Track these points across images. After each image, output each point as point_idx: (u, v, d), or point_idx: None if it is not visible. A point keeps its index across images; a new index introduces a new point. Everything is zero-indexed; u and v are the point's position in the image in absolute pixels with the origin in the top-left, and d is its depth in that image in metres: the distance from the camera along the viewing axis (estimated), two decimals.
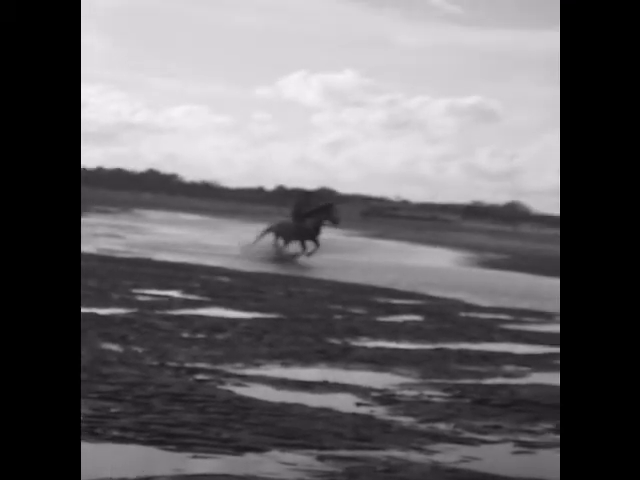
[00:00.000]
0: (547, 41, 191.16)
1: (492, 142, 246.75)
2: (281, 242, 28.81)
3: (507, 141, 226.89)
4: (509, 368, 10.21)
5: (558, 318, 16.31)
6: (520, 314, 16.54)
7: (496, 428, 7.20)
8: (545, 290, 22.37)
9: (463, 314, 15.79)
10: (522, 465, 6.32)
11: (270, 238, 28.90)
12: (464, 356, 10.76)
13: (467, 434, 7.00)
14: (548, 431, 7.22)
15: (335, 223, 29.03)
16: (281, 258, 27.70)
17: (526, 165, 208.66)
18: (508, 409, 7.86)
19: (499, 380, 9.38)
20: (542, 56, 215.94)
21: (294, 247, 28.76)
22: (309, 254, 28.09)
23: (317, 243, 28.37)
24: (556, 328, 14.76)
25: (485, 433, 7.05)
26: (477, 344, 12.08)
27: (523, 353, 11.43)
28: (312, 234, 28.35)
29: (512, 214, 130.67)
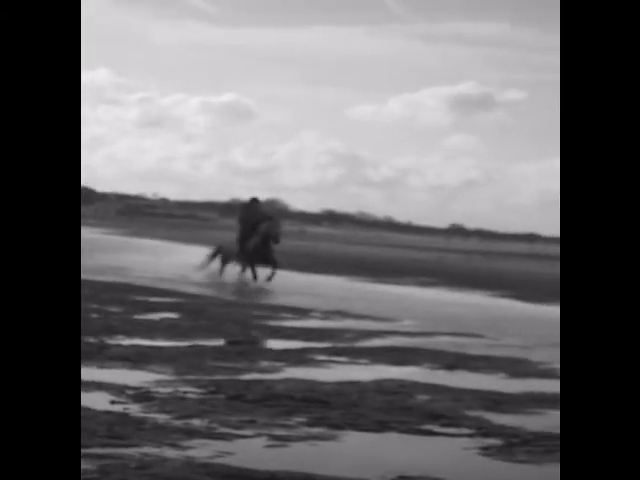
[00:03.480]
0: (301, 40, 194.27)
1: (248, 140, 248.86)
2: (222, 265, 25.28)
3: (263, 139, 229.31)
4: (264, 364, 10.33)
5: (313, 314, 16.63)
6: (277, 310, 16.75)
7: (250, 423, 7.27)
8: (303, 286, 22.71)
9: (219, 310, 15.86)
10: (276, 458, 6.40)
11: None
12: (220, 352, 10.81)
13: (222, 429, 7.04)
14: (301, 424, 7.35)
15: (276, 241, 24.23)
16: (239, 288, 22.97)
17: (282, 162, 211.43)
18: (262, 404, 7.95)
19: (254, 375, 9.47)
20: (296, 55, 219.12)
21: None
22: (269, 279, 23.80)
23: (274, 266, 24.08)
24: (311, 323, 15.05)
25: (239, 428, 7.11)
26: (233, 340, 12.16)
27: (279, 349, 11.58)
28: (262, 255, 24.21)
29: (271, 211, 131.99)
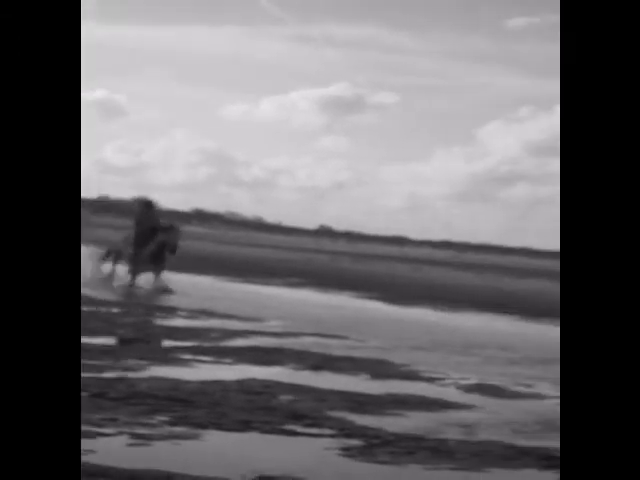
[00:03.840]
0: (174, 38, 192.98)
1: (118, 137, 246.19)
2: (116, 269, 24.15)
3: (133, 137, 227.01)
4: (129, 362, 10.26)
5: (181, 312, 16.56)
6: (148, 309, 16.65)
7: (112, 421, 7.22)
8: (170, 284, 22.58)
9: (85, 308, 15.68)
10: (137, 456, 6.38)
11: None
12: (83, 350, 10.68)
13: (83, 427, 6.96)
14: (163, 423, 7.33)
15: (172, 252, 23.31)
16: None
17: (153, 160, 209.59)
18: (125, 402, 7.90)
19: (118, 373, 9.40)
20: (169, 53, 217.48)
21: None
22: (167, 290, 22.14)
23: (158, 273, 23.15)
24: (176, 322, 14.99)
25: (101, 426, 7.05)
26: (97, 338, 12.03)
27: (144, 347, 11.52)
28: (155, 264, 23.15)
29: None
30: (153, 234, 23.23)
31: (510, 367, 12.57)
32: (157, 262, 23.05)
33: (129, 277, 23.34)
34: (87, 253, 24.43)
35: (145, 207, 24.01)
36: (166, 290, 21.81)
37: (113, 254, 24.42)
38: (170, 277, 23.60)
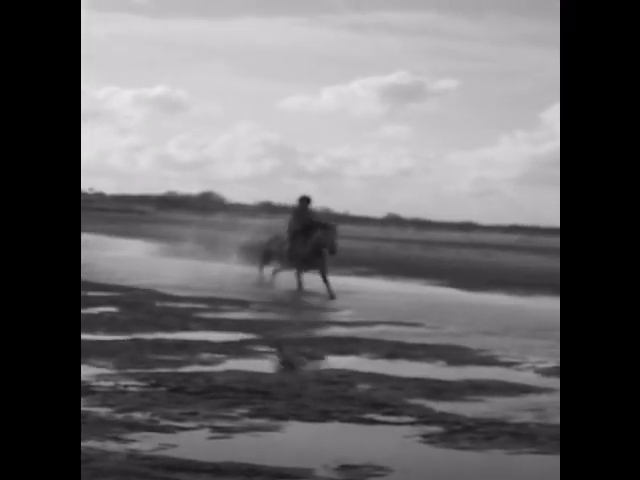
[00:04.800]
0: (230, 31, 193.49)
1: (181, 132, 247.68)
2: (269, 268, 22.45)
3: (196, 131, 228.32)
4: (205, 356, 10.31)
5: (253, 305, 16.63)
6: (217, 303, 16.72)
7: (192, 415, 7.26)
8: (240, 280, 22.67)
9: (158, 304, 15.80)
10: (218, 450, 6.41)
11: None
12: (159, 345, 10.77)
13: (164, 422, 7.02)
14: (243, 416, 7.35)
15: (332, 252, 20.94)
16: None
17: (216, 155, 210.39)
18: (204, 396, 7.94)
19: (195, 368, 9.45)
20: (226, 46, 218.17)
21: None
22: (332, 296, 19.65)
23: (326, 282, 20.46)
24: (249, 315, 15.04)
25: (181, 420, 7.10)
26: (172, 333, 12.11)
27: (219, 341, 11.57)
28: (313, 265, 21.11)
29: (206, 204, 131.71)
30: (309, 233, 21.21)
31: None
32: (316, 263, 20.98)
33: (296, 280, 21.09)
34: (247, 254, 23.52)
35: (304, 203, 21.75)
36: (332, 296, 19.44)
37: (269, 255, 22.55)
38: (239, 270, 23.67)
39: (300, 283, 20.99)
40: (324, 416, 7.45)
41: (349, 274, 29.21)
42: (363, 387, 8.69)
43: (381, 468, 6.01)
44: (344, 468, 5.99)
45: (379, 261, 37.85)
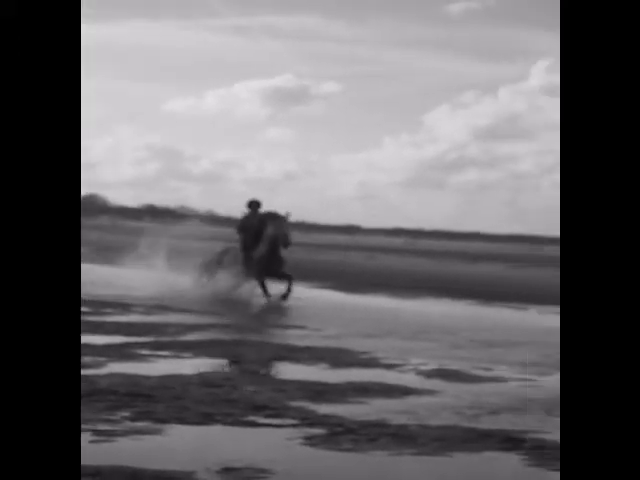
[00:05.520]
0: (113, 34, 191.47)
1: None
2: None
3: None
4: (87, 359, 10.20)
5: (135, 308, 16.50)
6: (99, 306, 16.55)
7: None
8: (116, 280, 22.47)
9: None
10: (100, 453, 6.35)
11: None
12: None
13: None
14: (125, 419, 7.30)
15: (285, 245, 19.77)
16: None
17: (100, 158, 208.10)
18: (86, 399, 7.86)
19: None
20: (108, 49, 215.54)
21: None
22: (284, 297, 19.43)
23: (289, 279, 19.76)
24: (134, 318, 14.93)
25: None
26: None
27: (101, 344, 11.46)
28: (271, 268, 19.81)
29: (90, 206, 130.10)
30: (259, 234, 19.85)
31: (470, 351, 12.64)
32: (272, 266, 19.64)
33: (260, 289, 19.81)
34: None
35: (253, 207, 20.25)
36: (285, 296, 18.92)
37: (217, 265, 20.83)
38: (117, 272, 23.47)
39: (265, 290, 19.57)
40: (206, 419, 7.45)
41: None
42: (246, 390, 8.71)
43: (263, 470, 6.04)
44: (226, 471, 6.00)
45: None
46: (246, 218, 20.15)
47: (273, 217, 19.57)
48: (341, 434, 7.12)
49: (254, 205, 20.19)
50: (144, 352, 11.00)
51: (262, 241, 19.60)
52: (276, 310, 17.62)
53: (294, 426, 7.38)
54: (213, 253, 21.32)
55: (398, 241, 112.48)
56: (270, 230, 19.47)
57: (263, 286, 19.63)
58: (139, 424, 7.19)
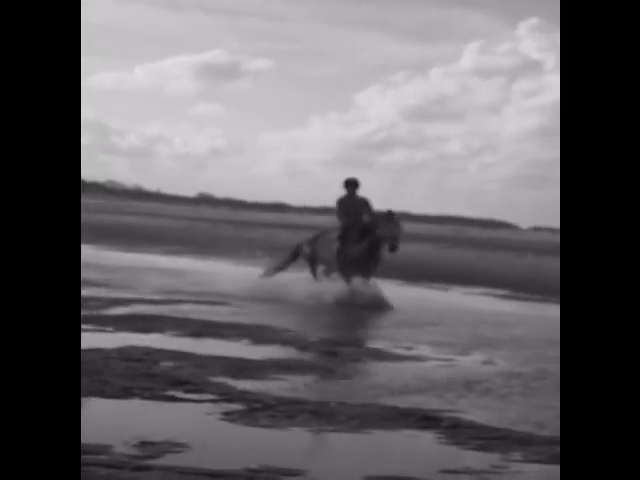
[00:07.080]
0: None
1: None
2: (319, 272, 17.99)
3: None
4: None
5: None
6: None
7: None
8: None
9: None
10: None
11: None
12: None
13: None
14: None
15: (393, 250, 16.58)
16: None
17: None
18: None
19: None
20: None
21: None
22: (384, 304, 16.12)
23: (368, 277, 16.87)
24: None
25: None
26: None
27: None
28: (365, 264, 16.88)
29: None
30: (363, 228, 17.12)
31: (391, 330, 12.74)
32: (370, 265, 16.98)
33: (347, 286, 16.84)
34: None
35: (351, 188, 17.51)
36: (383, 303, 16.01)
37: (303, 252, 18.57)
38: None
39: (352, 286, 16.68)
40: (126, 393, 7.42)
41: (160, 252, 29.05)
42: (167, 365, 8.69)
43: (180, 445, 6.04)
44: (143, 445, 5.99)
45: (191, 240, 37.74)
46: (343, 201, 17.39)
47: (388, 218, 16.81)
48: (259, 410, 7.14)
49: (351, 184, 17.40)
50: None
51: (365, 239, 16.95)
52: (197, 285, 17.53)
53: (213, 401, 7.38)
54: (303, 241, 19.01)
55: (325, 219, 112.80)
56: (382, 232, 16.70)
57: (350, 285, 16.78)
58: None
